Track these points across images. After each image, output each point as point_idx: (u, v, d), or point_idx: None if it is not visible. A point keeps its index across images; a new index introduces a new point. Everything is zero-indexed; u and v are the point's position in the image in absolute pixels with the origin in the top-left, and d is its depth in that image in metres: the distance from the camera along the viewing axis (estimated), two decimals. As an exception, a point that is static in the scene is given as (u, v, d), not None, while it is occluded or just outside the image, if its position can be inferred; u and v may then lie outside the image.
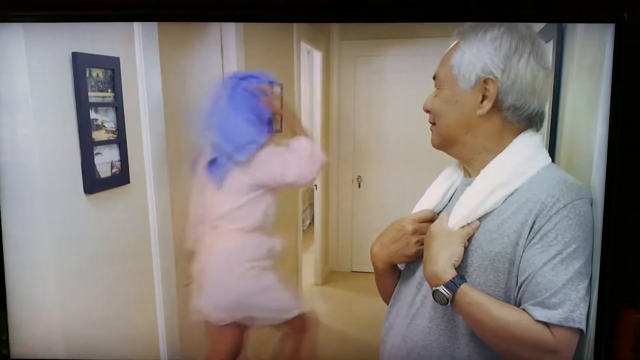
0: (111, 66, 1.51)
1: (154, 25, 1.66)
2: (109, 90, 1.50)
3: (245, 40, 2.31)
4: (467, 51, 0.97)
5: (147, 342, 1.77)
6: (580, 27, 1.30)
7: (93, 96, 1.44)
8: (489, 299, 0.94)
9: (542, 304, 0.90)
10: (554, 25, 1.38)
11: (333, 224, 4.28)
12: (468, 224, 0.99)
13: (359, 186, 4.24)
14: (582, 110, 1.30)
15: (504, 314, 0.92)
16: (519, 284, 0.94)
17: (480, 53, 0.96)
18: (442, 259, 0.96)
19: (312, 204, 4.48)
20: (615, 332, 1.33)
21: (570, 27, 1.34)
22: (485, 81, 0.95)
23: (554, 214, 0.91)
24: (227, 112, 1.78)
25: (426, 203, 1.12)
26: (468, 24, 1.01)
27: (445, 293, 0.94)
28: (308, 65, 4.11)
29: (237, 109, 1.78)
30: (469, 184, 1.03)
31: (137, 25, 1.61)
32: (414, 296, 1.10)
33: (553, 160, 1.34)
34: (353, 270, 4.21)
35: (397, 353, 1.12)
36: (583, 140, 1.29)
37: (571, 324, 0.90)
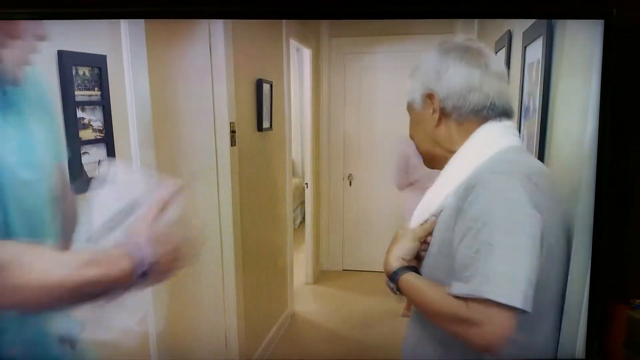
0: (98, 64, 1.49)
1: (141, 23, 1.65)
2: (96, 88, 1.48)
3: (234, 37, 2.30)
4: (412, 80, 1.12)
5: (138, 342, 1.76)
6: (570, 23, 1.30)
7: (79, 95, 1.42)
8: (426, 283, 1.04)
9: (459, 279, 0.95)
10: (544, 22, 1.38)
11: (324, 223, 4.28)
12: (425, 221, 1.09)
13: (350, 184, 4.23)
14: (572, 106, 1.30)
15: (434, 294, 1.00)
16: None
17: (419, 77, 1.10)
18: (391, 255, 1.09)
19: (303, 203, 4.47)
20: (607, 328, 1.34)
21: (559, 23, 1.34)
22: (428, 96, 1.07)
23: (470, 192, 0.97)
24: None
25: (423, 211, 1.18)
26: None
27: (390, 284, 1.08)
28: (297, 62, 4.11)
29: None
30: None
31: (124, 23, 1.59)
32: None
33: (542, 156, 1.35)
34: (344, 268, 4.21)
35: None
36: (573, 135, 1.29)
37: (479, 295, 0.90)
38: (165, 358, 1.87)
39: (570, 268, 1.26)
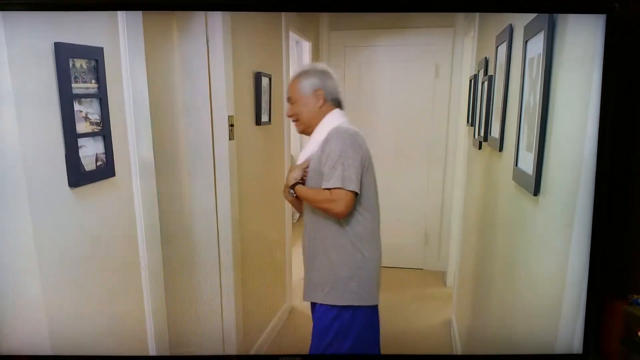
0: (95, 56, 1.47)
1: (138, 15, 1.63)
2: (93, 81, 1.47)
3: (232, 29, 2.28)
4: (304, 80, 1.88)
5: (135, 337, 1.76)
6: (571, 17, 1.29)
7: (76, 87, 1.41)
8: (308, 188, 1.85)
9: (326, 181, 1.76)
10: (545, 16, 1.37)
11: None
12: (304, 162, 1.90)
13: (349, 178, 4.23)
14: (573, 101, 1.29)
15: (313, 191, 1.83)
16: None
17: (312, 79, 1.88)
18: (289, 177, 1.91)
19: (301, 196, 4.47)
20: (604, 324, 1.34)
21: (561, 17, 1.33)
22: (316, 91, 1.87)
23: (326, 143, 1.80)
24: None
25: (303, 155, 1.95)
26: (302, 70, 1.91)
27: (291, 191, 1.89)
28: (297, 55, 4.08)
29: None
30: None
31: (121, 15, 1.57)
32: None
33: (542, 150, 1.36)
34: (343, 262, 4.20)
35: None
36: (574, 130, 1.29)
37: (333, 185, 1.74)
38: (164, 352, 1.87)
39: (569, 264, 1.26)
